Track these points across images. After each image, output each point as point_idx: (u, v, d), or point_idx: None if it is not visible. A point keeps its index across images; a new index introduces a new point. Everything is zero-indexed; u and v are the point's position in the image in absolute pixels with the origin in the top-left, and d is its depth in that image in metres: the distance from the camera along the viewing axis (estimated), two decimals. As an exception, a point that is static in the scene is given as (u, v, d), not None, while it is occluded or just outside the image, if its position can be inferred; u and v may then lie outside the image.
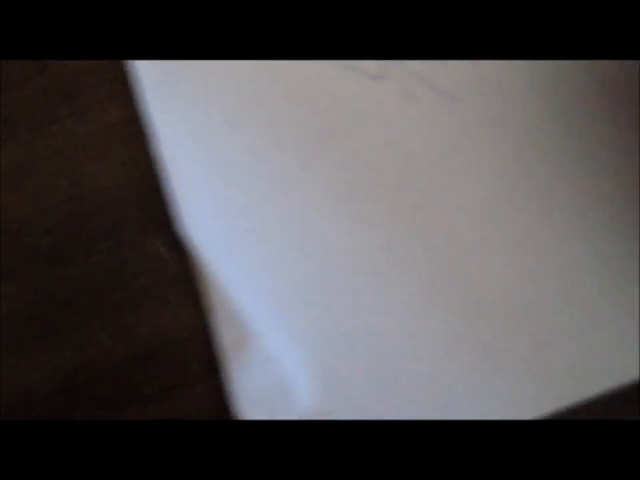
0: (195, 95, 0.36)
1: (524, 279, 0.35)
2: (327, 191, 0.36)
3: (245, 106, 0.36)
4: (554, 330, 0.35)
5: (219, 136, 0.36)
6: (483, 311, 0.35)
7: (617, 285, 0.35)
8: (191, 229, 0.35)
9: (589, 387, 0.34)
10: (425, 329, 0.35)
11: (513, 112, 0.37)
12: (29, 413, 0.34)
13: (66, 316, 0.35)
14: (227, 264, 0.35)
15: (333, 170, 0.36)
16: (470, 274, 0.35)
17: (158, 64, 0.36)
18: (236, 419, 0.33)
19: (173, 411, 0.34)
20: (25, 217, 0.35)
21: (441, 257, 0.35)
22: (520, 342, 0.35)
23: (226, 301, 0.34)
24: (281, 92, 0.37)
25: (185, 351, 0.35)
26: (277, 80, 0.37)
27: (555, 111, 0.37)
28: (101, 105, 0.36)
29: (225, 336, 0.34)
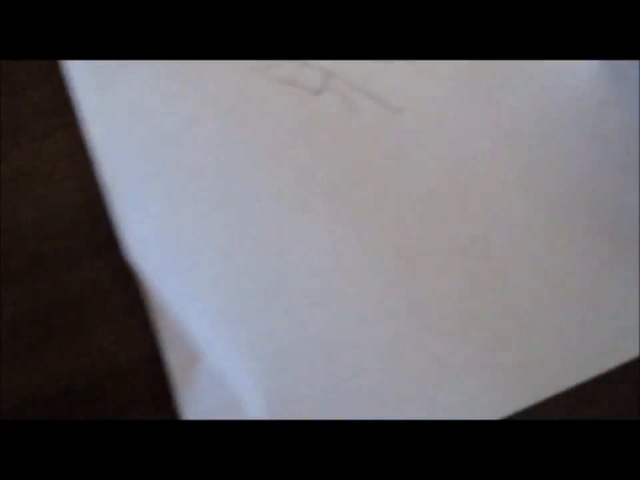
0: (136, 119, 0.36)
1: (470, 286, 0.36)
2: (272, 207, 0.36)
3: (187, 126, 0.36)
4: (499, 336, 0.35)
5: (161, 157, 0.36)
6: (429, 320, 0.35)
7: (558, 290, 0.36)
8: (135, 253, 0.35)
9: (538, 391, 0.35)
10: (372, 340, 0.35)
11: (455, 119, 0.37)
12: (32, 416, 0.34)
13: (70, 320, 0.35)
14: (172, 284, 0.35)
15: (279, 185, 0.36)
16: (416, 282, 0.36)
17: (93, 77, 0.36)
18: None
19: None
20: (30, 222, 0.36)
21: (386, 266, 0.36)
22: (467, 348, 0.35)
23: (174, 322, 0.34)
24: (222, 110, 0.37)
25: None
26: (219, 99, 0.37)
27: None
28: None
29: (174, 357, 0.34)
